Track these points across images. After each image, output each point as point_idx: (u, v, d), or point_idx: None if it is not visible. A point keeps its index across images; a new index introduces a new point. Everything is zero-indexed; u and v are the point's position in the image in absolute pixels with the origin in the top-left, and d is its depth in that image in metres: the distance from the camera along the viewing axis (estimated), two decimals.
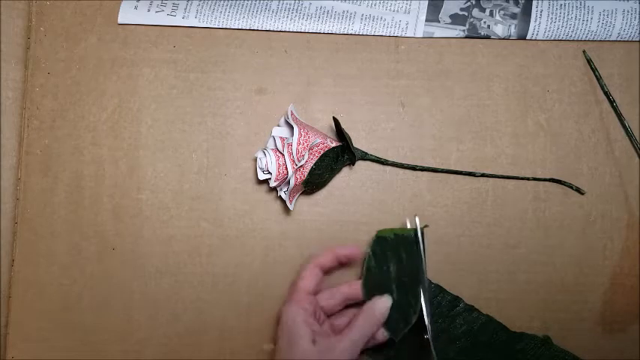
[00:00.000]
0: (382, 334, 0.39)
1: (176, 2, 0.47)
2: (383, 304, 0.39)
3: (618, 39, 0.46)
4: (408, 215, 0.45)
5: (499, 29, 0.46)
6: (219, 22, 0.47)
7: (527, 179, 0.45)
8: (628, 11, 0.46)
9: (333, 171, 0.44)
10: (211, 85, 0.47)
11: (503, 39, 0.46)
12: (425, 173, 0.46)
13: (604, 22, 0.46)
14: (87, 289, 0.45)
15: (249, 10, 0.47)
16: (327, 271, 0.42)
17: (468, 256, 0.45)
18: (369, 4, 0.47)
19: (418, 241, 0.42)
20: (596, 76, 0.46)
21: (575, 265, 0.45)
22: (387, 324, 0.39)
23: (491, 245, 0.45)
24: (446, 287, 0.43)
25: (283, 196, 0.43)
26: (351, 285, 0.41)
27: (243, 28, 0.47)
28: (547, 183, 0.45)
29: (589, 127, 0.46)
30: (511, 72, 0.46)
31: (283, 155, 0.42)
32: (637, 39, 0.46)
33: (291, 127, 0.42)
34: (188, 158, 0.46)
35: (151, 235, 0.45)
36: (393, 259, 0.41)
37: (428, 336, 0.40)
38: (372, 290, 0.40)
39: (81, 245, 0.45)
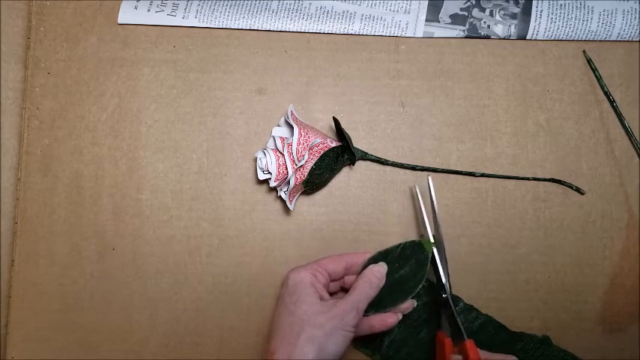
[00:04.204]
0: (395, 316, 0.40)
1: (176, 2, 0.47)
2: (378, 268, 0.41)
3: (618, 39, 0.46)
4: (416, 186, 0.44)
5: (499, 29, 0.46)
6: (219, 22, 0.47)
7: (527, 179, 0.45)
8: (628, 11, 0.46)
9: (333, 171, 0.44)
10: (211, 85, 0.47)
11: (503, 39, 0.46)
12: (425, 173, 0.46)
13: (604, 22, 0.46)
14: (87, 289, 0.45)
15: (249, 10, 0.47)
16: (335, 277, 0.42)
17: (467, 256, 0.45)
18: (369, 4, 0.47)
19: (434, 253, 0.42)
20: (596, 76, 0.46)
21: (575, 265, 0.45)
22: None
23: (491, 245, 0.45)
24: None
25: (283, 196, 0.43)
26: (356, 254, 0.42)
27: (243, 28, 0.47)
28: (547, 183, 0.45)
29: (589, 127, 0.46)
30: (511, 72, 0.46)
31: (283, 155, 0.42)
32: (637, 39, 0.46)
33: (291, 127, 0.42)
34: (188, 158, 0.46)
35: (150, 235, 0.45)
36: (404, 264, 0.41)
37: (447, 295, 0.40)
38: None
39: (81, 245, 0.45)
